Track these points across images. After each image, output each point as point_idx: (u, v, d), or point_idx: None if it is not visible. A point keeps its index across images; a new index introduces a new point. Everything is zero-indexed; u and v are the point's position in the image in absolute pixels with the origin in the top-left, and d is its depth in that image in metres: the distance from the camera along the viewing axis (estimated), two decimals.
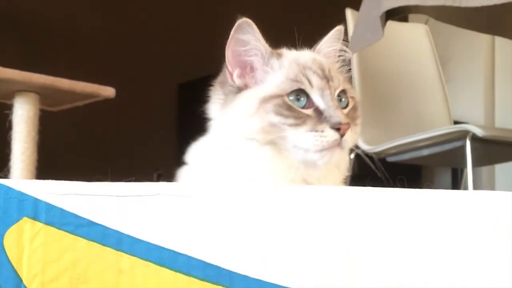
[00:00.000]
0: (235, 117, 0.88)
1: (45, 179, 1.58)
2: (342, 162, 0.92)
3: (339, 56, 0.95)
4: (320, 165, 0.84)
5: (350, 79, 0.97)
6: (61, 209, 0.58)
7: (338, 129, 0.82)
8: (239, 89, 0.90)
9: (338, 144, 0.82)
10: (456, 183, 2.88)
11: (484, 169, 3.00)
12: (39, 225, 0.58)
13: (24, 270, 0.57)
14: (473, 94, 3.18)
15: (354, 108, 0.90)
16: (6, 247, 0.57)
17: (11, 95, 1.58)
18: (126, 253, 0.58)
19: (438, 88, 2.28)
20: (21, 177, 1.54)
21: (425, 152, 1.92)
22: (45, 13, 2.53)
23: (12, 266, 0.57)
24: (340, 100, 0.88)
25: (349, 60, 0.97)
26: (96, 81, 1.65)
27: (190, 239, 0.58)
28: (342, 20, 2.12)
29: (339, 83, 0.88)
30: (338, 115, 0.82)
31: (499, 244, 0.59)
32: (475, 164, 1.92)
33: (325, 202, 0.60)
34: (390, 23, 1.53)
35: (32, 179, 1.56)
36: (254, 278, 0.58)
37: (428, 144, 1.89)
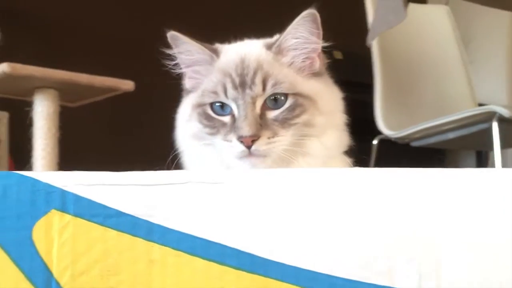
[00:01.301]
0: (179, 120, 0.93)
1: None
2: (311, 149, 0.86)
3: (304, 48, 0.86)
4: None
5: (319, 72, 0.89)
6: (89, 200, 0.57)
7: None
8: (190, 92, 0.92)
9: (249, 154, 0.81)
10: (481, 166, 2.83)
11: (510, 151, 2.94)
12: (67, 217, 0.56)
13: (54, 263, 0.56)
14: (497, 75, 3.11)
15: (292, 107, 0.83)
16: (35, 240, 0.56)
17: (31, 92, 1.58)
18: (157, 243, 0.56)
19: (461, 70, 2.23)
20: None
21: (451, 135, 1.88)
22: (63, 10, 2.53)
23: (42, 260, 0.56)
24: (275, 100, 0.84)
25: (319, 50, 0.88)
26: (115, 75, 1.64)
27: (223, 227, 0.56)
28: (361, 5, 2.08)
29: (261, 88, 0.83)
30: (243, 127, 0.81)
31: None
32: (502, 146, 1.88)
33: (358, 186, 0.58)
34: (411, 5, 1.49)
35: None
36: (290, 265, 0.56)
37: (454, 127, 1.85)
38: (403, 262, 0.56)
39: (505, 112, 1.70)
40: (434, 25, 2.28)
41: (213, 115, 0.85)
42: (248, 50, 0.89)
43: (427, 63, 2.19)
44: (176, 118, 0.93)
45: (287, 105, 0.84)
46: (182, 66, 0.90)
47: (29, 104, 1.59)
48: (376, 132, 2.05)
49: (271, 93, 0.84)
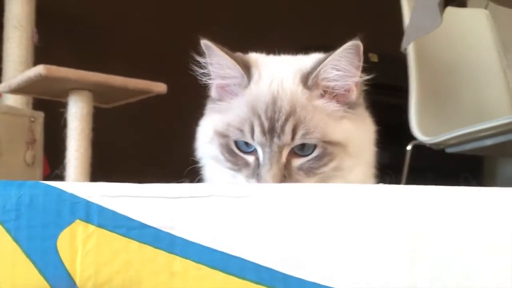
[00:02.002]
0: (201, 136, 0.90)
1: (99, 175, 1.60)
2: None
3: (344, 81, 0.82)
4: None
5: (354, 103, 0.84)
6: (113, 212, 0.57)
7: None
8: (217, 101, 0.88)
9: None
10: None
11: None
12: (91, 227, 0.57)
13: (78, 273, 0.56)
14: None
15: (320, 157, 0.80)
16: (60, 250, 0.57)
17: (66, 94, 1.61)
18: (178, 255, 0.56)
19: (499, 75, 2.18)
20: (75, 173, 1.57)
21: (488, 142, 1.83)
22: (99, 12, 2.57)
23: (66, 268, 0.57)
24: (303, 146, 0.80)
25: (358, 84, 0.84)
26: (148, 78, 1.65)
27: (244, 241, 0.56)
28: (397, 7, 2.05)
29: (290, 138, 0.79)
30: (266, 179, 0.78)
31: None
32: None
33: (384, 203, 0.57)
34: (449, 9, 1.46)
35: (86, 175, 1.59)
36: (309, 281, 0.55)
37: (491, 134, 1.80)
38: (424, 279, 0.55)
39: None
40: (473, 29, 2.23)
41: (236, 151, 0.83)
42: (282, 85, 0.83)
43: (464, 68, 2.15)
44: (198, 130, 0.91)
45: (314, 154, 0.80)
46: (211, 76, 0.87)
47: (64, 105, 1.62)
48: (410, 136, 2.01)
49: (299, 143, 0.80)
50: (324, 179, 0.82)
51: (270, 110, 0.80)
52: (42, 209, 0.58)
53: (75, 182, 0.59)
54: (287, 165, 0.80)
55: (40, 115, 1.82)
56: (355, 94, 0.84)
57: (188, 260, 0.56)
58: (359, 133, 0.84)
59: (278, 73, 0.85)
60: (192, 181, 0.91)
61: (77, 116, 1.59)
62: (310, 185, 0.61)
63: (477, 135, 1.83)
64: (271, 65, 0.88)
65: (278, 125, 0.79)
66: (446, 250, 0.55)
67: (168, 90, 1.66)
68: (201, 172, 0.94)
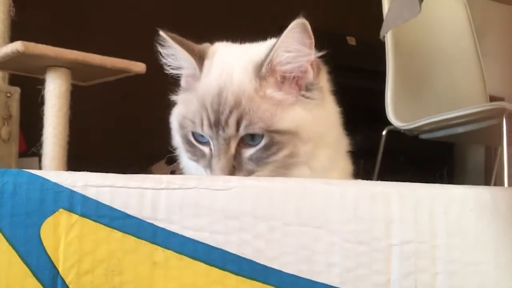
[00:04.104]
0: (173, 124, 0.92)
1: (77, 154, 1.58)
2: (299, 175, 0.83)
3: (297, 61, 0.82)
4: None
5: (312, 83, 0.84)
6: (97, 201, 0.58)
7: None
8: (185, 90, 0.90)
9: None
10: (490, 161, 2.83)
11: None
12: (74, 217, 0.58)
13: (61, 261, 0.57)
14: (510, 69, 3.09)
15: (267, 146, 0.80)
16: (43, 238, 0.58)
17: (43, 70, 1.59)
18: (160, 246, 0.58)
19: (474, 62, 2.21)
20: (53, 151, 1.56)
21: (460, 129, 1.87)
22: None
23: (49, 257, 0.57)
24: (252, 136, 0.80)
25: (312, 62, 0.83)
26: (127, 57, 1.64)
27: (225, 233, 0.58)
28: None
29: (234, 130, 0.80)
30: (215, 170, 0.80)
31: None
32: (511, 143, 1.88)
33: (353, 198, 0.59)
34: None
35: (63, 154, 1.58)
36: (288, 273, 0.57)
37: (463, 122, 1.84)
38: (400, 275, 0.57)
39: None
40: (450, 17, 2.25)
41: (194, 142, 0.85)
42: (231, 76, 0.83)
43: (441, 55, 2.17)
44: (171, 119, 0.92)
45: (261, 144, 0.80)
46: (168, 68, 0.88)
47: (41, 82, 1.60)
48: (387, 121, 2.04)
49: (244, 134, 0.81)
50: (285, 168, 0.83)
51: (216, 103, 0.82)
52: (25, 197, 0.58)
53: (59, 171, 0.60)
54: (237, 156, 0.81)
55: (16, 91, 1.79)
56: (311, 74, 0.84)
57: (170, 251, 0.58)
58: (315, 118, 0.84)
59: (230, 64, 0.85)
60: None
61: (55, 93, 1.57)
62: (289, 179, 0.63)
63: (450, 123, 1.87)
64: (226, 55, 0.88)
65: (222, 118, 0.81)
66: None
67: (147, 70, 1.64)
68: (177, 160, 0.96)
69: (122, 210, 0.58)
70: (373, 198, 0.58)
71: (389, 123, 1.98)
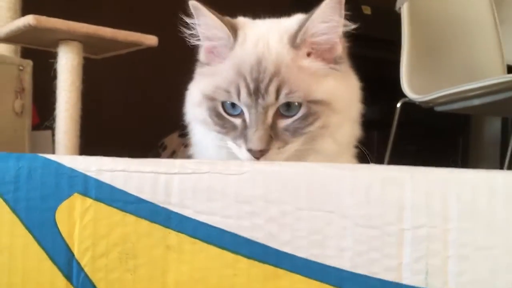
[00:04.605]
0: (190, 100, 0.91)
1: (90, 128, 1.59)
2: (323, 147, 0.85)
3: (334, 31, 0.82)
4: None
5: (341, 57, 0.86)
6: (111, 186, 0.59)
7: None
8: (205, 65, 0.89)
9: (259, 159, 0.80)
10: (507, 131, 2.80)
11: None
12: (89, 201, 0.59)
13: (76, 245, 0.58)
14: None
15: (305, 116, 0.81)
16: (58, 222, 0.59)
17: (55, 44, 1.59)
18: (174, 230, 0.58)
19: (492, 32, 2.17)
20: (65, 125, 1.57)
21: (476, 102, 1.85)
22: None
23: (64, 240, 0.58)
24: (289, 106, 0.81)
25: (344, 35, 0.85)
26: (139, 30, 1.63)
27: (238, 217, 0.58)
28: None
29: (274, 97, 0.80)
30: (253, 141, 0.79)
31: None
32: None
33: (359, 182, 0.59)
34: None
35: (76, 127, 1.59)
36: (300, 257, 0.58)
37: (479, 94, 1.81)
38: (412, 260, 0.57)
39: None
40: None
41: (224, 114, 0.84)
42: (268, 46, 0.84)
43: (457, 24, 2.13)
44: (186, 94, 0.92)
45: (300, 114, 0.81)
46: (199, 38, 0.87)
47: (54, 55, 1.60)
48: (401, 92, 2.02)
49: (283, 102, 0.81)
50: (312, 138, 0.84)
51: (255, 71, 0.81)
52: (40, 181, 0.59)
53: (73, 156, 0.60)
54: (273, 126, 0.81)
55: (29, 64, 1.79)
56: (341, 47, 0.85)
57: (183, 235, 0.58)
58: (343, 90, 0.85)
59: (264, 35, 0.86)
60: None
61: (67, 67, 1.57)
62: (303, 164, 0.63)
63: (465, 95, 1.84)
64: (257, 27, 0.89)
65: (262, 86, 0.80)
66: None
67: (159, 43, 1.64)
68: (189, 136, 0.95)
69: (136, 194, 0.59)
70: (385, 182, 0.58)
71: (404, 95, 1.96)
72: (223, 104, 0.84)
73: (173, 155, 2.28)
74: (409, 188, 0.58)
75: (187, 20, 0.86)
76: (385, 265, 0.57)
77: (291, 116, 0.81)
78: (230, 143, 0.84)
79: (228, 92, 0.82)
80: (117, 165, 0.59)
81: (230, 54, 0.85)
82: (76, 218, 0.59)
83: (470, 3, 2.20)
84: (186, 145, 2.34)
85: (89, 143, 1.63)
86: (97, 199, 0.59)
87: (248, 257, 0.58)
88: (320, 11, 0.81)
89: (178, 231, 0.58)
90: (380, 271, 0.57)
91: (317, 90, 0.82)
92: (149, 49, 1.65)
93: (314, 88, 0.82)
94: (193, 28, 0.86)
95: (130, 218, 0.58)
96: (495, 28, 2.17)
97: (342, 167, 0.60)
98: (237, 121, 0.83)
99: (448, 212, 0.58)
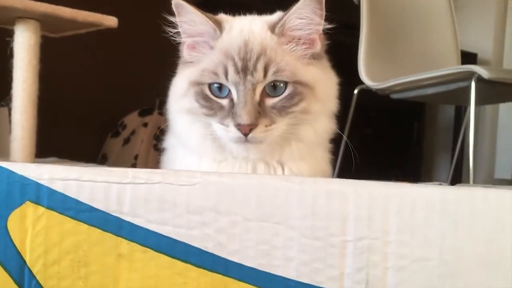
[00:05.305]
0: (173, 92, 0.92)
1: (47, 109, 1.56)
2: (304, 134, 0.89)
3: (309, 28, 0.86)
4: (238, 155, 0.86)
5: (319, 53, 0.89)
6: (63, 194, 0.60)
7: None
8: (188, 63, 0.91)
9: (245, 140, 0.82)
10: (460, 118, 2.88)
11: (488, 106, 2.99)
12: (41, 209, 0.59)
13: (28, 252, 0.59)
14: (484, 23, 3.10)
15: (291, 95, 0.85)
16: (10, 230, 0.59)
17: (12, 22, 1.55)
18: (125, 238, 0.60)
19: (448, 21, 2.21)
20: (22, 106, 1.55)
21: (430, 90, 1.90)
22: None
23: (16, 248, 0.59)
24: (274, 87, 0.84)
25: (322, 32, 0.88)
26: (99, 11, 1.60)
27: (188, 227, 0.60)
28: None
29: (262, 75, 0.83)
30: (242, 115, 0.81)
31: None
32: (479, 103, 1.92)
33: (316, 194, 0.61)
34: None
35: (33, 107, 1.57)
36: (248, 266, 0.60)
37: (433, 83, 1.87)
38: (353, 270, 0.60)
39: (484, 73, 1.72)
40: None
41: (211, 96, 0.86)
42: (252, 31, 0.87)
43: (415, 14, 2.17)
44: (170, 89, 0.93)
45: (286, 93, 0.84)
46: (183, 35, 0.89)
47: (10, 34, 1.56)
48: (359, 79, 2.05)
49: (272, 80, 0.84)
50: (296, 124, 0.87)
51: (243, 51, 0.85)
52: None
53: (26, 164, 0.61)
54: (261, 104, 0.84)
55: None
56: (319, 45, 0.89)
57: (134, 243, 0.60)
58: (325, 80, 0.90)
59: (248, 24, 0.89)
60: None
61: (24, 46, 1.53)
62: (254, 176, 0.65)
63: (420, 84, 1.89)
64: (240, 20, 0.92)
65: (250, 64, 0.83)
66: None
67: (119, 24, 1.62)
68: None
69: (88, 203, 0.60)
70: (330, 195, 0.61)
71: (361, 81, 2.00)
72: (210, 86, 0.86)
73: (133, 134, 2.27)
74: (352, 202, 0.61)
75: (171, 19, 0.87)
76: (328, 274, 0.60)
77: (278, 96, 0.85)
78: (217, 126, 0.85)
79: (215, 73, 0.85)
80: (69, 174, 0.60)
81: (216, 43, 0.87)
82: (28, 226, 0.59)
83: None
84: (145, 124, 2.31)
85: (47, 124, 1.62)
86: (50, 207, 0.59)
87: (198, 266, 0.60)
88: (296, 8, 0.85)
89: (130, 240, 0.60)
90: (324, 280, 0.60)
91: (303, 73, 0.86)
92: (110, 29, 1.62)
93: (300, 70, 0.86)
94: (177, 26, 0.88)
95: (83, 226, 0.60)
96: (451, 17, 2.21)
97: (291, 180, 0.62)
98: (224, 101, 0.85)
99: (388, 225, 0.61)
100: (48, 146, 1.67)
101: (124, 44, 2.25)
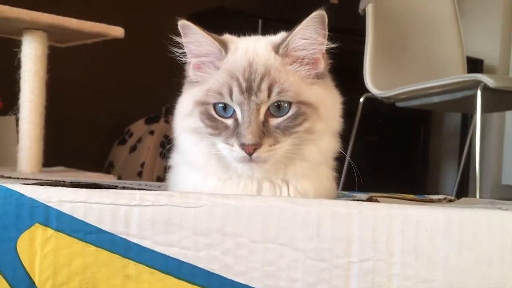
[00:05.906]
0: (179, 112, 0.92)
1: (54, 118, 1.57)
2: (308, 154, 0.88)
3: (312, 48, 0.86)
4: (243, 174, 0.86)
5: (323, 73, 0.89)
6: (71, 216, 0.61)
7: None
8: (193, 82, 0.91)
9: (249, 160, 0.83)
10: (466, 124, 2.87)
11: (495, 114, 2.98)
12: (50, 231, 0.60)
13: (36, 274, 0.60)
14: (490, 29, 3.09)
15: (295, 116, 0.85)
16: (19, 252, 0.60)
17: (20, 32, 1.57)
18: (133, 260, 0.61)
19: (453, 30, 2.21)
20: (30, 116, 1.56)
21: (436, 99, 1.90)
22: None
23: (25, 270, 0.60)
24: (279, 107, 0.85)
25: (326, 52, 0.88)
26: (106, 21, 1.62)
27: (194, 248, 0.61)
28: None
29: (266, 95, 0.83)
30: (246, 135, 0.81)
31: None
32: (485, 111, 1.92)
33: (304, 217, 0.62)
34: None
35: (41, 117, 1.58)
36: (254, 287, 0.61)
37: (439, 92, 1.87)
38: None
39: (490, 82, 1.72)
40: None
41: (215, 116, 0.86)
42: (256, 52, 0.88)
43: (421, 23, 2.17)
44: (176, 107, 0.93)
45: (290, 113, 0.85)
46: (189, 55, 0.89)
47: (17, 44, 1.58)
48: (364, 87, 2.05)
49: (276, 100, 0.84)
50: (300, 144, 0.87)
51: (247, 72, 0.85)
52: (1, 212, 0.61)
53: (35, 186, 0.62)
54: (265, 124, 0.84)
55: None
56: (323, 65, 0.89)
57: (142, 265, 0.61)
58: (329, 100, 0.90)
59: (252, 45, 0.90)
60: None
61: (31, 57, 1.55)
62: (260, 198, 0.66)
63: (426, 92, 1.89)
64: (245, 41, 0.93)
65: (255, 84, 0.84)
66: None
67: (126, 33, 1.63)
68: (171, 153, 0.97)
69: (96, 225, 0.61)
70: (334, 217, 0.62)
71: (367, 89, 2.00)
72: (214, 106, 0.86)
73: (139, 141, 2.28)
74: (357, 223, 0.62)
75: (177, 39, 0.88)
76: None
77: (281, 116, 0.85)
78: (222, 145, 0.86)
79: (220, 93, 0.85)
80: (77, 196, 0.61)
81: (221, 64, 0.88)
82: (37, 247, 0.60)
83: (433, 2, 2.24)
84: (151, 132, 2.33)
85: (54, 134, 1.63)
86: (58, 229, 0.60)
87: (205, 287, 0.61)
88: (299, 28, 0.85)
89: (137, 261, 0.61)
90: None
91: (307, 93, 0.86)
92: (116, 39, 1.64)
93: (304, 90, 0.86)
94: (183, 46, 0.89)
95: (91, 248, 0.61)
96: (456, 25, 2.22)
97: (296, 202, 0.63)
98: (229, 121, 0.85)
99: (392, 247, 0.61)
100: (55, 155, 1.69)
101: (130, 53, 2.26)
